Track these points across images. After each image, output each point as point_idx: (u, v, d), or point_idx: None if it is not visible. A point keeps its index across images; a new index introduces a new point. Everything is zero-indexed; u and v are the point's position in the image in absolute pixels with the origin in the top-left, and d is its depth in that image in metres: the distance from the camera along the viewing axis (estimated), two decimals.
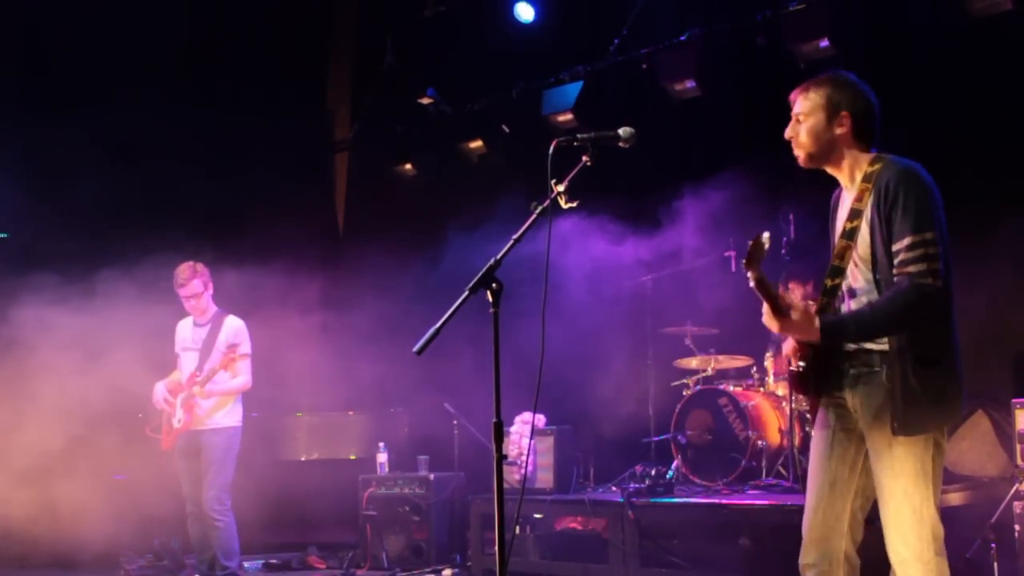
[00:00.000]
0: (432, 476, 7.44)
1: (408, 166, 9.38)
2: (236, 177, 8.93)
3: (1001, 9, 6.21)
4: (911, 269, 3.01)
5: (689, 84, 7.42)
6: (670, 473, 6.81)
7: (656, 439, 7.04)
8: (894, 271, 3.05)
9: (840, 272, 3.22)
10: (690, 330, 7.09)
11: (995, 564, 5.07)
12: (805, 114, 3.25)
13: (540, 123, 8.07)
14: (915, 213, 3.04)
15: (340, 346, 8.13)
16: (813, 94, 3.25)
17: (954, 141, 6.53)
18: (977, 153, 6.43)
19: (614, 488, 6.80)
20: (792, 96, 3.33)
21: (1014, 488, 5.43)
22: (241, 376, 6.16)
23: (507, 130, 8.71)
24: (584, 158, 3.29)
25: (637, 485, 6.46)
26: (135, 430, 7.12)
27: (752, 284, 3.00)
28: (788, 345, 3.39)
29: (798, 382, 3.36)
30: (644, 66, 7.71)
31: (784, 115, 3.37)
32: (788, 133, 3.30)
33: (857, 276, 3.18)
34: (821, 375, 3.26)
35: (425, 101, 9.00)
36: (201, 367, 6.09)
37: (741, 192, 6.32)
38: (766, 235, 2.96)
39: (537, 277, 3.25)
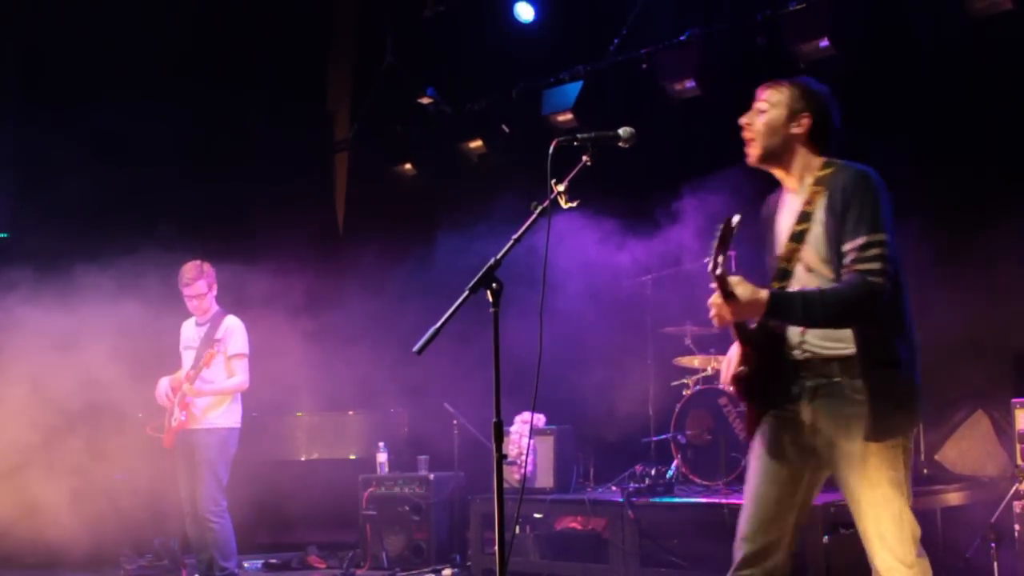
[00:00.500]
0: (432, 476, 7.44)
1: (408, 166, 9.38)
2: (236, 177, 8.93)
3: (1001, 9, 6.21)
4: (861, 267, 2.98)
5: (689, 84, 7.42)
6: (670, 473, 6.81)
7: (656, 439, 7.04)
8: (843, 269, 3.02)
9: (787, 275, 3.17)
10: (690, 330, 7.09)
11: (995, 564, 5.07)
12: (770, 104, 3.22)
13: (540, 123, 8.07)
14: (871, 214, 3.02)
15: (339, 346, 8.13)
16: (785, 89, 3.22)
17: (954, 140, 6.54)
18: (977, 152, 6.44)
19: (614, 488, 6.80)
20: (761, 88, 3.28)
21: (1014, 488, 5.43)
22: (237, 376, 6.13)
23: (507, 130, 8.71)
24: (584, 158, 3.27)
25: (637, 485, 6.46)
26: (134, 430, 7.13)
27: (718, 271, 2.91)
28: (733, 351, 3.31)
29: (742, 388, 3.25)
30: (644, 66, 7.71)
31: None
32: (744, 118, 3.25)
33: (806, 279, 3.13)
34: (769, 386, 3.18)
35: (425, 101, 9.01)
36: (196, 366, 6.10)
37: (741, 192, 6.31)
38: (737, 218, 2.90)
39: (534, 277, 3.24)
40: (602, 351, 7.42)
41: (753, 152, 3.24)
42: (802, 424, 3.15)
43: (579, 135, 3.30)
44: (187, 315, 6.35)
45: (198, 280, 6.13)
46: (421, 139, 9.28)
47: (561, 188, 3.21)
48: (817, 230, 3.10)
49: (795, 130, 3.19)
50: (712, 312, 3.02)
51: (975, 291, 6.22)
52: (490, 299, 3.09)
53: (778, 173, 3.29)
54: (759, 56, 7.21)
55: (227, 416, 6.14)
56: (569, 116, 7.89)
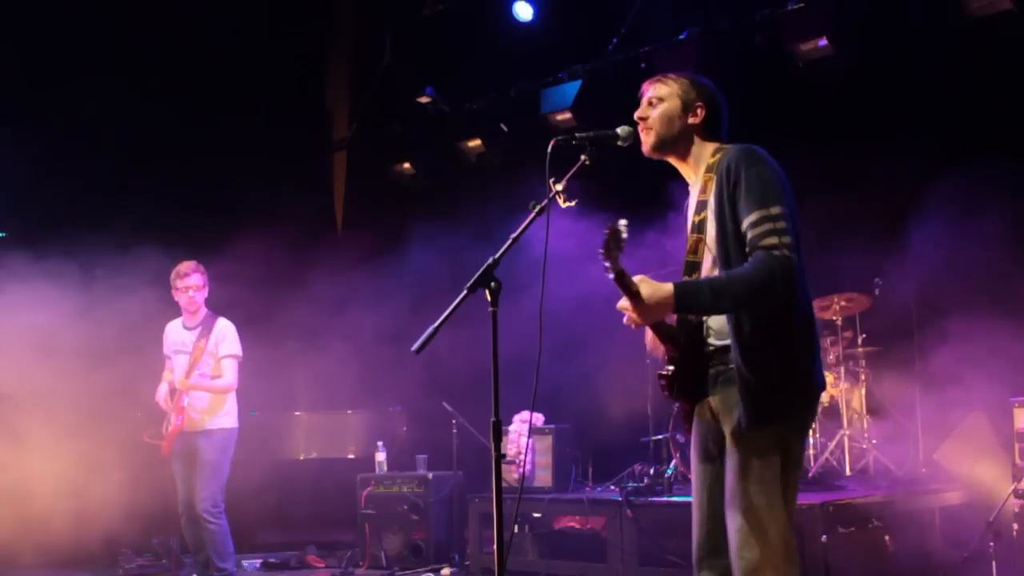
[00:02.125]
0: (431, 475, 7.44)
1: (407, 165, 9.38)
2: (235, 176, 8.92)
3: (999, 8, 6.22)
4: (764, 243, 2.85)
5: None
6: (669, 471, 6.81)
7: (655, 438, 7.04)
8: (747, 250, 2.90)
9: (696, 267, 3.08)
10: None
11: (994, 563, 5.08)
12: (660, 98, 3.21)
13: (539, 122, 8.07)
14: (758, 188, 2.92)
15: (338, 345, 8.12)
16: (672, 82, 3.23)
17: (953, 139, 6.53)
18: (976, 152, 6.43)
19: (613, 487, 6.80)
20: (645, 85, 3.28)
21: (1012, 487, 5.44)
22: (226, 377, 6.14)
23: (506, 129, 8.71)
24: (583, 157, 3.27)
25: (636, 484, 6.46)
26: (136, 429, 7.12)
27: (612, 277, 2.83)
28: (651, 344, 3.27)
29: (667, 387, 3.17)
30: (643, 65, 7.71)
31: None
32: (639, 113, 3.23)
33: (712, 268, 3.04)
34: (691, 379, 3.11)
35: (423, 100, 9.01)
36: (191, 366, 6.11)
37: None
38: (623, 222, 2.80)
39: (529, 278, 3.24)
40: (601, 350, 7.42)
41: (649, 140, 3.20)
42: (713, 416, 3.08)
43: (578, 134, 3.29)
44: (171, 318, 6.35)
45: (194, 273, 6.17)
46: (420, 138, 9.28)
47: (560, 187, 3.19)
48: (711, 217, 3.04)
49: (691, 120, 3.18)
50: (624, 318, 2.94)
51: (974, 289, 6.22)
52: (488, 298, 3.09)
53: (676, 164, 3.25)
54: (758, 55, 7.21)
55: (226, 418, 6.16)
56: (568, 115, 7.90)
